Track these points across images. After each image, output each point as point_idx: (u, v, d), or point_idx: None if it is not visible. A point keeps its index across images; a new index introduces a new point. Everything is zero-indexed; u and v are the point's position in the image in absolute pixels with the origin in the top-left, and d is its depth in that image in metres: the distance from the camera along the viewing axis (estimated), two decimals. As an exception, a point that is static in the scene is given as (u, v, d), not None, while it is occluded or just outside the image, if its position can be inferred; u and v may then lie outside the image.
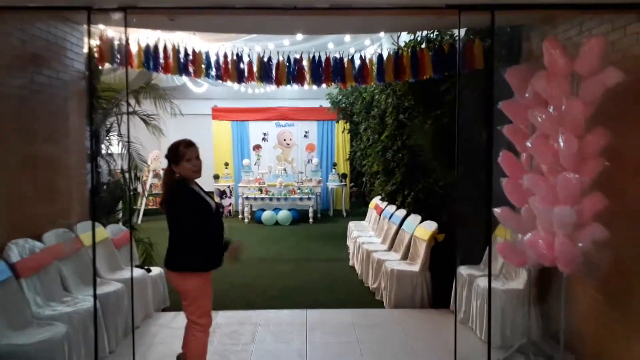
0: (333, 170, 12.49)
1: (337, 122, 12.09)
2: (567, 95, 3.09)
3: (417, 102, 5.77)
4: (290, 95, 14.36)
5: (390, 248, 6.42)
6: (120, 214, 6.19)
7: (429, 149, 5.61)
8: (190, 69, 5.01)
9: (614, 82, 2.93)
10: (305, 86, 13.28)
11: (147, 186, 11.61)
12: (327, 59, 5.01)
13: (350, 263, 7.45)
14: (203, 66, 5.00)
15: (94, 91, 4.98)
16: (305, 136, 13.17)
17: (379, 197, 8.10)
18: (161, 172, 11.98)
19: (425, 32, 5.64)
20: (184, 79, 12.30)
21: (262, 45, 6.82)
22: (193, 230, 3.03)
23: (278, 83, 5.02)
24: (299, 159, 13.05)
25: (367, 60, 5.01)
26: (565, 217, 3.10)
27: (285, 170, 12.40)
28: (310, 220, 11.28)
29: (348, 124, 11.93)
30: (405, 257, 5.90)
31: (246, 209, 11.41)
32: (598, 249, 3.16)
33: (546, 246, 3.25)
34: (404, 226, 6.23)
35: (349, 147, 12.73)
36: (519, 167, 3.80)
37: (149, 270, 5.19)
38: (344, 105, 10.94)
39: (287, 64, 5.00)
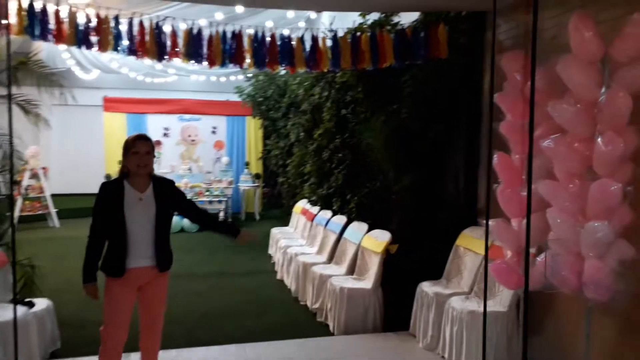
0: (245, 170, 11.46)
1: (254, 117, 11.09)
2: (605, 86, 2.54)
3: (366, 96, 5.06)
4: (194, 87, 13.09)
5: (330, 260, 5.65)
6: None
7: (379, 149, 4.92)
8: (93, 40, 3.82)
9: (660, 70, 2.42)
10: (213, 77, 12.01)
11: (23, 189, 9.70)
12: (272, 37, 4.10)
13: (278, 276, 6.57)
14: (111, 37, 3.83)
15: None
16: (212, 132, 11.97)
17: (307, 200, 7.32)
18: (40, 172, 10.09)
19: (377, 16, 4.96)
20: (70, 62, 10.62)
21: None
22: (90, 230, 2.99)
23: (211, 63, 4.00)
24: (206, 157, 11.82)
25: (320, 41, 4.18)
26: (600, 235, 2.54)
27: (190, 169, 11.17)
28: (221, 225, 10.17)
29: (262, 120, 11.04)
30: (351, 271, 5.17)
31: (146, 213, 10.01)
32: (623, 271, 2.65)
33: (570, 269, 2.68)
34: (346, 235, 5.50)
35: (262, 144, 11.83)
36: (517, 171, 3.23)
37: (31, 305, 3.91)
38: (260, 99, 9.99)
39: (223, 40, 4.00)
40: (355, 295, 4.65)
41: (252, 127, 11.92)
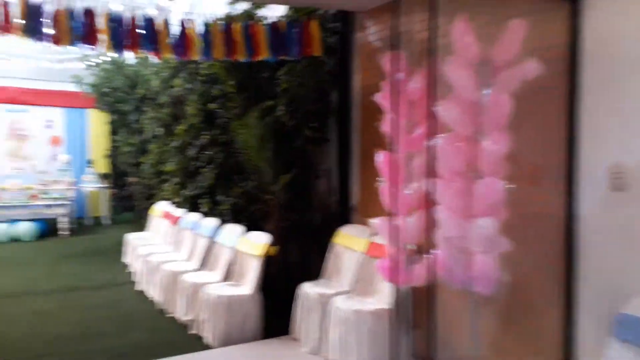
0: (88, 169, 10.27)
1: (101, 110, 9.95)
2: (489, 87, 2.64)
3: (238, 90, 4.76)
4: (21, 73, 11.33)
5: (201, 267, 5.25)
6: None
7: (254, 147, 4.68)
8: None
9: (533, 75, 2.59)
10: (46, 63, 10.63)
11: None
12: (132, 18, 3.59)
13: (138, 287, 5.95)
14: None
15: None
16: (47, 126, 10.51)
17: (169, 202, 6.76)
18: None
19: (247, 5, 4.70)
20: None
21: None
22: None
23: (56, 41, 3.36)
24: (39, 154, 10.34)
25: (190, 27, 3.78)
26: (486, 231, 2.66)
27: (22, 169, 9.68)
28: (63, 232, 9.00)
29: (108, 113, 9.97)
30: (226, 277, 4.86)
31: (-36, 222, 8.44)
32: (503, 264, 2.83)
33: (460, 265, 2.77)
34: (219, 239, 5.17)
35: (110, 140, 10.72)
36: (400, 169, 3.27)
37: None
38: (106, 90, 8.99)
39: (71, 17, 3.39)
40: (233, 302, 4.36)
41: (96, 121, 10.74)
